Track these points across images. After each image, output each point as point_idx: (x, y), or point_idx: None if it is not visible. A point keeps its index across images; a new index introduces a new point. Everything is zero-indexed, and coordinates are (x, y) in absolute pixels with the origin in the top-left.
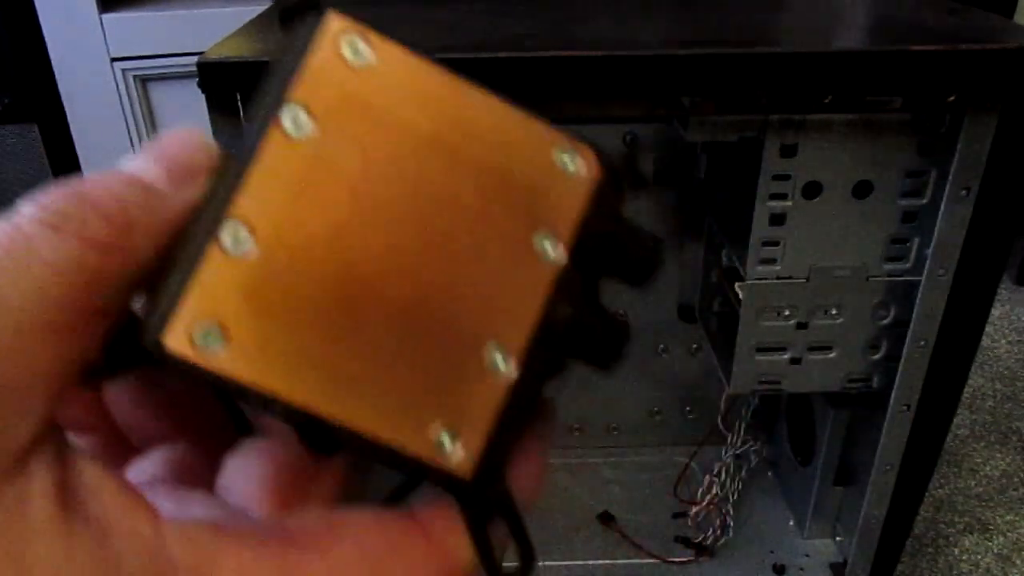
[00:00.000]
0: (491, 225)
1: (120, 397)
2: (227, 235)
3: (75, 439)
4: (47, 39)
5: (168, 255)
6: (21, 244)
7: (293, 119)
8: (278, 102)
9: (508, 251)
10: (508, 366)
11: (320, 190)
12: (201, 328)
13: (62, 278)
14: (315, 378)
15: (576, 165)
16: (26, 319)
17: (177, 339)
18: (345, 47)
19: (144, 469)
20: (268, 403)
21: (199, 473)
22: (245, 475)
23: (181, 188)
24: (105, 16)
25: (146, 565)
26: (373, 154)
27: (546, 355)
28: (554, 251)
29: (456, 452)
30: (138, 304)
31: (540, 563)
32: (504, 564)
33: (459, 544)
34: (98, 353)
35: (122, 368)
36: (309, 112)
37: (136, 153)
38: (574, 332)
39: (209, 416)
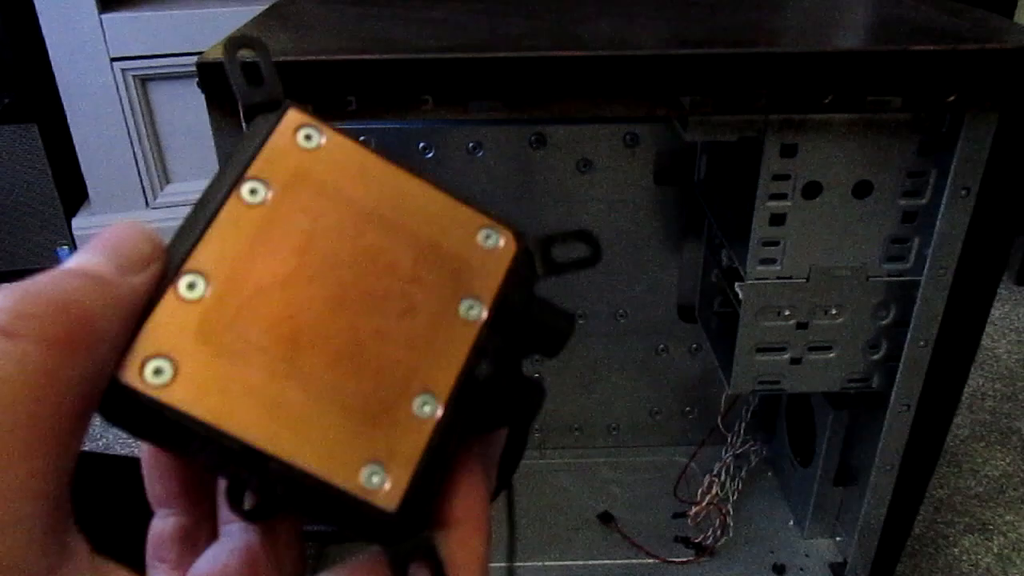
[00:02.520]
0: (422, 288)
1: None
2: (183, 282)
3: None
4: (47, 39)
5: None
6: None
7: (251, 190)
8: (240, 176)
9: (436, 310)
10: (433, 412)
11: (270, 247)
12: (153, 363)
13: (29, 392)
14: (255, 413)
15: (497, 242)
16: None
17: (130, 373)
18: (300, 135)
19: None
20: (207, 439)
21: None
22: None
23: (131, 276)
24: (105, 16)
25: None
26: (320, 220)
27: (468, 407)
28: (475, 313)
29: (383, 487)
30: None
31: (540, 563)
32: None
33: None
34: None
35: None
36: (266, 184)
37: (79, 249)
38: (493, 389)
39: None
